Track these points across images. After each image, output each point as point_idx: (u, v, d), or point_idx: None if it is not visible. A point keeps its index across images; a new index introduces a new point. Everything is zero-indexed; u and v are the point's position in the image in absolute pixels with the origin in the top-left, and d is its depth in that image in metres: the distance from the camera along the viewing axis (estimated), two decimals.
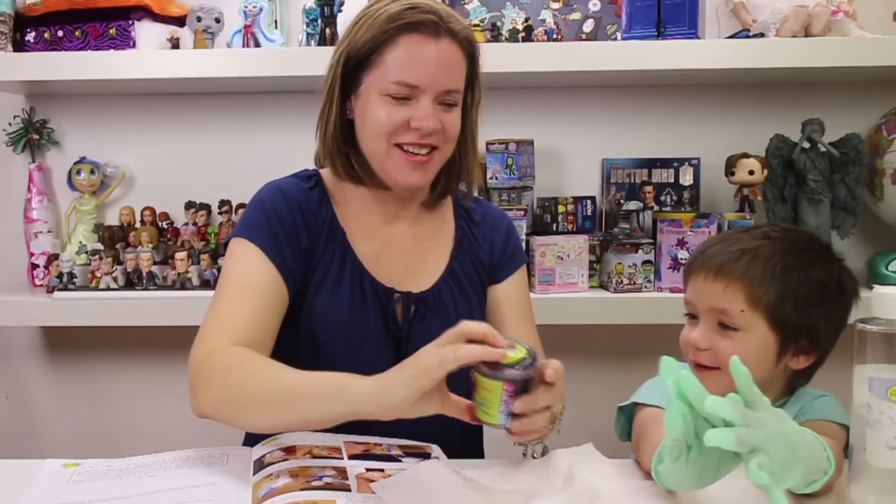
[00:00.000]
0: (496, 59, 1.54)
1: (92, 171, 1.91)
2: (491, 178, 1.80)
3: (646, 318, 1.71)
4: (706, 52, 1.66)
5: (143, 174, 1.99)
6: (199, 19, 1.76)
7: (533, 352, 0.96)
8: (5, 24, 1.75)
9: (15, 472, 1.03)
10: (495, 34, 1.76)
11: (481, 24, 1.76)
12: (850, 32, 1.70)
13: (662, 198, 1.88)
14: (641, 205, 1.82)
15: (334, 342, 1.17)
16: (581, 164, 1.95)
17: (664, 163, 1.89)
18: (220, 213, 1.86)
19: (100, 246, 1.82)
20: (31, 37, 1.79)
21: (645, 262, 1.73)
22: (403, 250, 1.24)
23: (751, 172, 1.75)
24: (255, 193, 1.22)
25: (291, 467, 0.94)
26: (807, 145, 1.74)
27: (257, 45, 1.75)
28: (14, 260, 1.97)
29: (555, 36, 1.75)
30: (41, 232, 1.91)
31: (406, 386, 0.90)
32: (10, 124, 1.93)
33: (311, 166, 1.27)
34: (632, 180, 1.90)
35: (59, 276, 1.76)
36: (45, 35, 1.78)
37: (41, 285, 1.86)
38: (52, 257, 1.81)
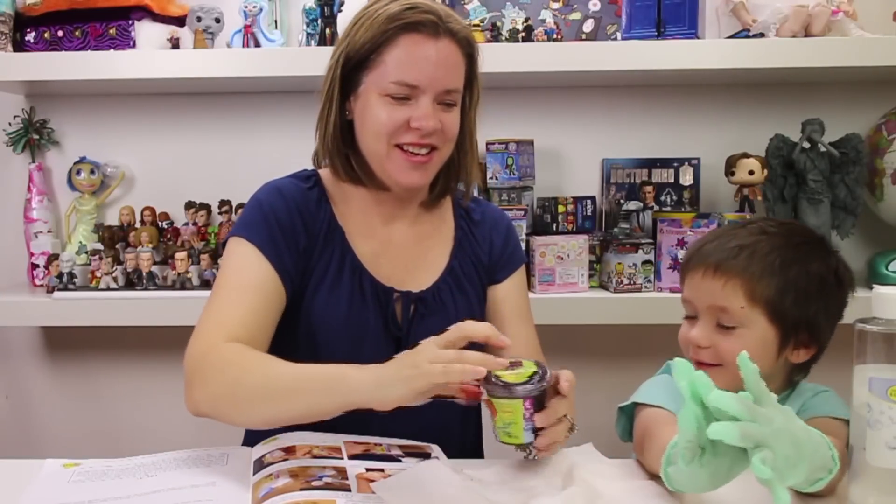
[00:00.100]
0: (496, 59, 1.54)
1: (92, 171, 1.91)
2: (491, 178, 1.80)
3: (646, 318, 1.71)
4: (706, 52, 1.66)
5: (143, 174, 1.99)
6: (199, 19, 1.76)
7: (540, 364, 0.96)
8: (5, 24, 1.75)
9: (15, 472, 1.03)
10: (495, 34, 1.76)
11: (481, 24, 1.76)
12: (850, 32, 1.70)
13: (662, 198, 1.88)
14: (641, 205, 1.82)
15: (333, 341, 1.17)
16: (581, 164, 1.95)
17: (664, 163, 1.89)
18: (220, 213, 1.86)
19: (100, 246, 1.82)
20: (31, 37, 1.79)
21: (645, 262, 1.73)
22: (403, 250, 1.24)
23: (751, 172, 1.75)
24: (253, 193, 1.22)
25: (291, 467, 0.94)
26: (807, 145, 1.74)
27: (257, 45, 1.75)
28: (14, 260, 1.97)
29: (555, 36, 1.75)
30: (41, 232, 1.91)
31: (404, 385, 0.91)
32: (10, 124, 1.93)
33: (311, 166, 1.27)
34: (632, 180, 1.90)
35: (59, 276, 1.76)
36: (45, 35, 1.78)
37: (41, 285, 1.86)
38: (52, 257, 1.81)
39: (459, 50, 1.15)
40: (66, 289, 1.75)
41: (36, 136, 1.93)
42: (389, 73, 1.12)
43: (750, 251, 1.05)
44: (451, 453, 1.06)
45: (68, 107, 1.96)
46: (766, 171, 1.75)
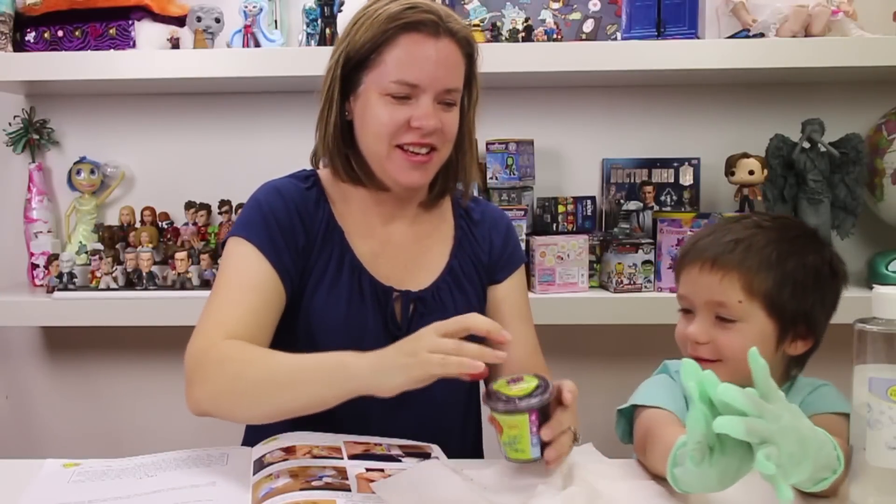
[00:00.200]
0: (496, 59, 1.54)
1: (92, 171, 1.91)
2: (491, 178, 1.80)
3: (646, 318, 1.71)
4: (706, 52, 1.66)
5: (143, 174, 1.99)
6: (199, 19, 1.76)
7: (541, 377, 0.96)
8: (5, 24, 1.75)
9: (15, 472, 1.03)
10: (495, 34, 1.76)
11: (481, 24, 1.76)
12: (850, 32, 1.70)
13: (662, 198, 1.88)
14: (641, 205, 1.82)
15: (333, 341, 1.16)
16: (581, 164, 1.95)
17: (664, 163, 1.89)
18: (220, 213, 1.86)
19: (100, 246, 1.82)
20: (31, 37, 1.79)
21: (645, 262, 1.73)
22: (402, 249, 1.24)
23: (751, 172, 1.75)
24: (252, 194, 1.22)
25: (291, 467, 0.94)
26: (807, 145, 1.74)
27: (257, 45, 1.75)
28: (14, 260, 1.97)
29: (555, 36, 1.75)
30: (41, 232, 1.91)
31: (402, 374, 0.91)
32: (10, 124, 1.93)
33: (310, 167, 1.27)
34: (632, 180, 1.90)
35: (59, 276, 1.76)
36: (45, 35, 1.78)
37: (41, 285, 1.86)
38: (52, 257, 1.81)
39: (459, 50, 1.15)
40: (66, 289, 1.75)
41: (36, 136, 1.93)
42: (390, 73, 1.12)
43: (746, 245, 1.06)
44: (451, 453, 1.06)
45: (68, 107, 1.96)
46: (766, 171, 1.75)
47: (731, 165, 1.78)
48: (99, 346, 2.02)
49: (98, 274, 1.76)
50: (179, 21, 1.82)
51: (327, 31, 1.73)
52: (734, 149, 1.80)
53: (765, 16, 1.67)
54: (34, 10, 1.75)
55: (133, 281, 1.76)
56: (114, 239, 1.83)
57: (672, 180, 1.89)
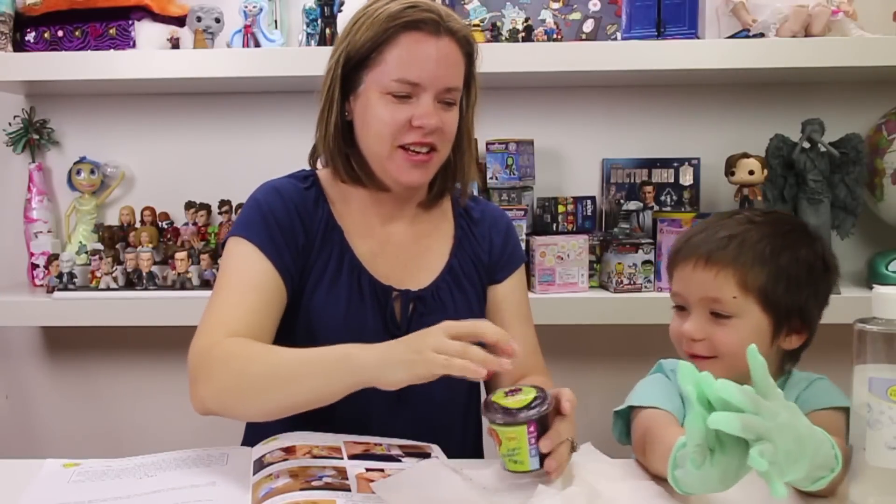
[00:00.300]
0: (496, 59, 1.54)
1: (92, 171, 1.91)
2: (491, 178, 1.80)
3: (646, 318, 1.71)
4: (706, 52, 1.66)
5: (143, 174, 1.99)
6: (199, 19, 1.76)
7: (539, 388, 0.96)
8: (5, 24, 1.75)
9: (15, 472, 1.03)
10: (495, 34, 1.76)
11: (481, 24, 1.76)
12: (850, 32, 1.70)
13: (662, 198, 1.88)
14: (641, 205, 1.82)
15: (332, 340, 1.16)
16: (581, 164, 1.94)
17: (664, 163, 1.89)
18: (220, 213, 1.86)
19: (100, 246, 1.82)
20: (31, 37, 1.79)
21: (645, 262, 1.73)
22: (401, 248, 1.24)
23: (751, 172, 1.75)
24: (251, 194, 1.22)
25: (291, 467, 0.94)
26: (807, 145, 1.74)
27: (257, 45, 1.75)
28: (14, 260, 1.97)
29: (555, 36, 1.75)
30: (41, 232, 1.91)
31: (406, 369, 0.90)
32: (10, 124, 1.93)
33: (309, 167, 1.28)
34: (632, 180, 1.90)
35: (59, 276, 1.76)
36: (45, 35, 1.78)
37: (41, 285, 1.86)
38: (52, 257, 1.80)
39: (459, 49, 1.16)
40: (66, 289, 1.75)
41: (36, 136, 1.93)
42: (391, 71, 1.12)
43: (739, 240, 1.06)
44: (451, 453, 1.06)
45: (68, 107, 1.96)
46: (766, 171, 1.75)
47: (731, 165, 1.78)
48: (99, 346, 2.02)
49: (98, 274, 1.76)
50: (179, 21, 1.82)
51: (327, 31, 1.73)
52: (734, 149, 1.80)
53: (765, 16, 1.67)
54: (34, 10, 1.75)
55: (133, 281, 1.76)
56: (114, 239, 1.83)
57: (672, 180, 1.89)
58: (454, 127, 1.18)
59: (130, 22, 1.76)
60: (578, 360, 1.97)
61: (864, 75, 1.79)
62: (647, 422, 1.05)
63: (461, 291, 1.25)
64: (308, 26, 1.77)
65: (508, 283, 1.30)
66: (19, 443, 2.05)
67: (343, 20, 1.68)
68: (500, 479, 0.98)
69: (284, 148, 1.87)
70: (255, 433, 1.18)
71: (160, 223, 1.90)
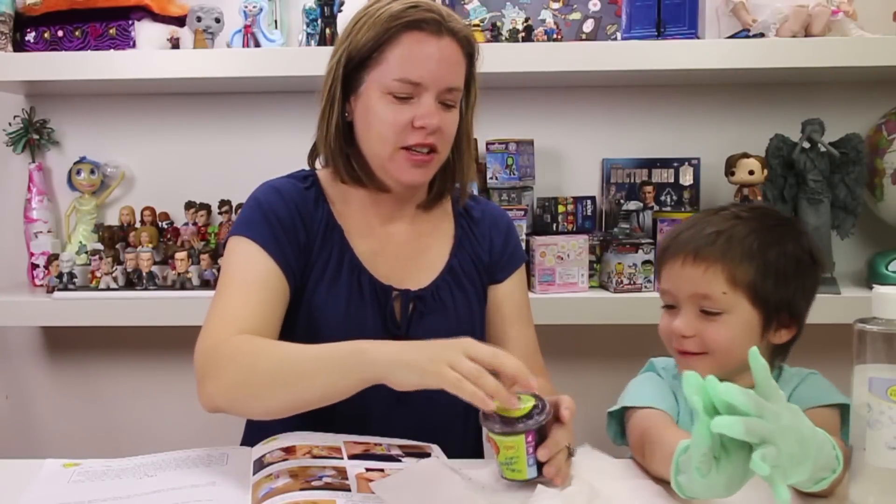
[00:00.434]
0: (496, 59, 1.54)
1: (92, 171, 1.91)
2: (491, 178, 1.80)
3: (646, 318, 1.70)
4: (706, 52, 1.66)
5: (143, 174, 1.99)
6: (199, 19, 1.76)
7: (538, 396, 0.96)
8: (5, 24, 1.75)
9: (15, 472, 1.03)
10: (495, 34, 1.76)
11: (481, 24, 1.76)
12: (850, 32, 1.70)
13: (662, 198, 1.88)
14: (641, 205, 1.82)
15: (333, 339, 1.16)
16: (581, 164, 1.94)
17: (664, 163, 1.89)
18: (220, 213, 1.86)
19: (100, 246, 1.82)
20: (31, 37, 1.79)
21: (645, 262, 1.73)
22: (401, 248, 1.24)
23: (751, 172, 1.75)
24: (250, 194, 1.22)
25: (291, 467, 0.94)
26: (807, 145, 1.74)
27: (257, 45, 1.75)
28: (14, 260, 1.97)
29: (555, 36, 1.75)
30: (41, 232, 1.91)
31: (418, 376, 0.90)
32: (10, 124, 1.93)
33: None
34: (632, 180, 1.90)
35: (59, 276, 1.76)
36: (45, 35, 1.78)
37: (41, 285, 1.86)
38: (52, 257, 1.80)
39: (461, 49, 1.16)
40: (66, 289, 1.75)
41: (36, 136, 1.93)
42: (392, 71, 1.12)
43: (727, 236, 1.06)
44: (451, 453, 1.06)
45: (68, 107, 1.96)
46: (766, 171, 1.75)
47: (731, 165, 1.78)
48: (99, 346, 2.02)
49: (98, 274, 1.76)
50: (179, 21, 1.82)
51: (327, 31, 1.73)
52: (734, 149, 1.80)
53: (765, 16, 1.67)
54: (34, 10, 1.75)
55: (133, 281, 1.76)
56: (114, 239, 1.83)
57: (672, 180, 1.89)
58: (454, 128, 1.18)
59: (130, 22, 1.76)
60: (578, 360, 1.96)
61: (864, 75, 1.79)
62: (643, 423, 1.05)
63: (461, 291, 1.25)
64: (308, 26, 1.78)
65: (509, 283, 1.30)
66: (19, 443, 2.05)
67: (343, 20, 1.68)
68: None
69: (284, 148, 1.87)
70: (255, 433, 1.18)
71: (160, 223, 1.90)
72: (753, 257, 1.05)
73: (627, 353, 1.92)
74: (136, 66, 1.71)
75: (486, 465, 1.05)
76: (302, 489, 0.88)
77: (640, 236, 1.77)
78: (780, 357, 1.12)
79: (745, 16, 1.69)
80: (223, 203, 1.86)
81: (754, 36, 1.67)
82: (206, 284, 1.72)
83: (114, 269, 1.76)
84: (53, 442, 2.05)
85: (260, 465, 0.97)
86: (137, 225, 1.88)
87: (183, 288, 1.73)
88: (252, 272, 1.13)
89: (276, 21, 1.87)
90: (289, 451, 0.99)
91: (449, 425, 1.22)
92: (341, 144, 1.19)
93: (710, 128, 1.93)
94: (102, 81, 1.74)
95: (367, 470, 0.95)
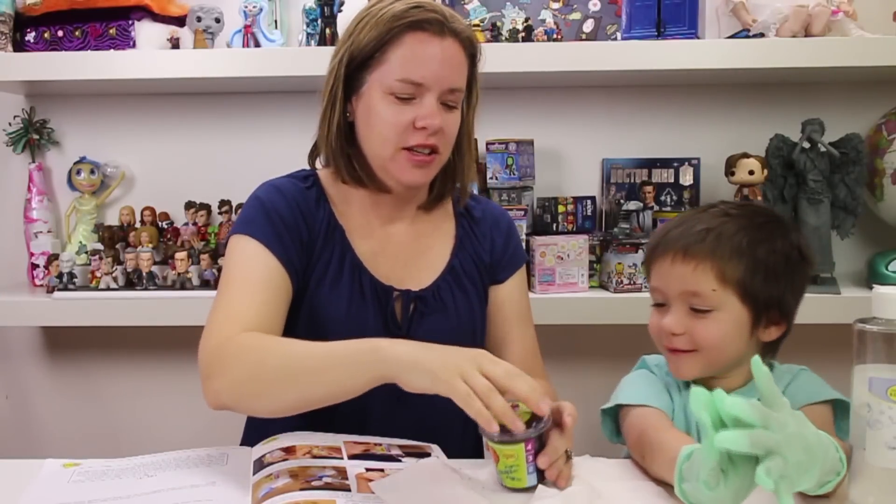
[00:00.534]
0: (496, 59, 1.53)
1: (92, 171, 1.91)
2: (491, 178, 1.80)
3: (646, 318, 1.68)
4: (706, 52, 1.66)
5: (143, 174, 1.99)
6: (199, 19, 1.76)
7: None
8: (5, 24, 1.75)
9: (15, 472, 1.03)
10: (495, 34, 1.76)
11: (481, 24, 1.76)
12: (850, 32, 1.70)
13: (662, 198, 1.88)
14: (641, 205, 1.82)
15: (334, 338, 1.17)
16: (581, 164, 1.95)
17: (664, 163, 1.89)
18: (220, 213, 1.86)
19: (100, 246, 1.82)
20: (31, 37, 1.79)
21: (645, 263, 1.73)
22: (402, 248, 1.24)
23: (751, 172, 1.75)
24: (251, 193, 1.22)
25: (291, 467, 0.94)
26: (807, 145, 1.74)
27: (257, 45, 1.75)
28: (14, 260, 1.97)
29: (555, 36, 1.75)
30: (41, 232, 1.91)
31: (429, 381, 0.89)
32: (10, 124, 1.93)
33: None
34: (632, 180, 1.90)
35: (59, 276, 1.76)
36: (45, 35, 1.78)
37: (41, 285, 1.86)
38: (52, 257, 1.81)
39: (463, 50, 1.16)
40: (66, 289, 1.75)
41: (36, 136, 1.93)
42: (394, 71, 1.12)
43: (716, 233, 1.06)
44: (451, 453, 1.06)
45: (68, 107, 1.96)
46: (766, 171, 1.75)
47: (731, 165, 1.78)
48: (99, 346, 2.02)
49: (98, 274, 1.76)
50: (179, 21, 1.82)
51: (327, 31, 1.73)
52: (734, 149, 1.80)
53: (765, 16, 1.67)
54: (34, 10, 1.75)
55: (133, 281, 1.76)
56: (114, 239, 1.83)
57: (672, 180, 1.89)
58: (455, 129, 1.18)
59: (130, 22, 1.76)
60: (578, 360, 1.96)
61: (864, 75, 1.79)
62: (641, 422, 1.05)
63: (462, 291, 1.25)
64: (308, 26, 1.78)
65: (510, 283, 1.30)
66: (19, 443, 2.05)
67: (343, 20, 1.68)
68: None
69: (284, 148, 1.87)
70: (254, 433, 1.18)
71: (160, 223, 1.90)
72: (743, 254, 1.05)
73: (627, 354, 1.91)
74: (136, 66, 1.71)
75: (485, 465, 1.05)
76: (302, 489, 0.88)
77: (640, 236, 1.77)
78: (770, 354, 1.12)
79: (745, 16, 1.70)
80: (223, 203, 1.86)
81: (754, 36, 1.67)
82: (206, 284, 1.72)
83: (114, 269, 1.76)
84: (53, 442, 2.05)
85: (260, 465, 0.97)
86: (137, 225, 1.88)
87: (183, 288, 1.73)
88: (255, 270, 1.13)
89: (276, 21, 1.87)
90: (289, 451, 0.99)
91: (449, 425, 1.22)
92: (342, 144, 1.19)
93: (710, 128, 1.93)
94: (102, 81, 1.74)
95: (367, 470, 0.95)
